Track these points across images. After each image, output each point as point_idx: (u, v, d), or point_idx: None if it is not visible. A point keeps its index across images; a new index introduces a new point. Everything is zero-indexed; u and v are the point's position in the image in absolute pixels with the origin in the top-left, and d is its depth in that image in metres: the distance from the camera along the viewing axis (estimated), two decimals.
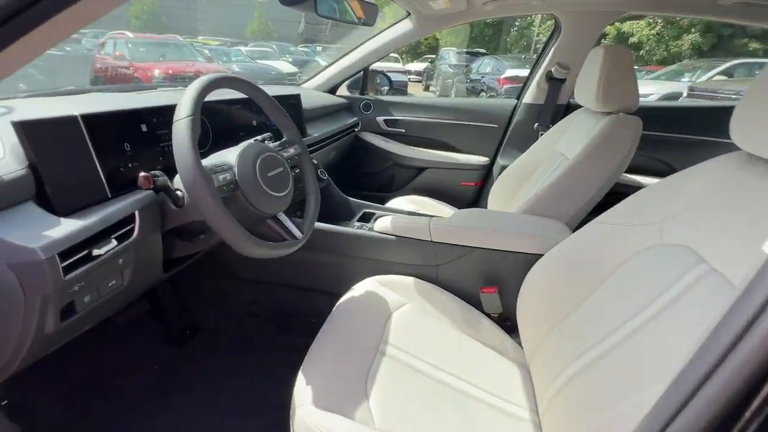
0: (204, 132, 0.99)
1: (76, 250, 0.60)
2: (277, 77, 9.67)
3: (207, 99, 0.74)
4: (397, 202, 1.70)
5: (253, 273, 1.31)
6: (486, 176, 2.06)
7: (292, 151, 0.96)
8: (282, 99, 1.31)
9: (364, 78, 2.06)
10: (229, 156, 0.77)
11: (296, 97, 1.39)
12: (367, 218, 1.36)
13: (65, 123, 0.66)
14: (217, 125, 1.03)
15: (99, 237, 0.64)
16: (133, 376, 1.21)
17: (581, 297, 0.73)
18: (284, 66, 11.68)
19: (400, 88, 11.07)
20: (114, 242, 0.66)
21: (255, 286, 1.36)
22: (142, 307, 1.32)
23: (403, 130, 2.06)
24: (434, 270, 1.17)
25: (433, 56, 15.85)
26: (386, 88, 2.31)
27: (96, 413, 1.09)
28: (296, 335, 1.21)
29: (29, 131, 0.60)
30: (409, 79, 13.76)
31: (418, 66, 15.83)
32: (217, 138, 1.03)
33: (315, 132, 1.51)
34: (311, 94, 1.87)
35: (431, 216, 1.26)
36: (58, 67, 9.35)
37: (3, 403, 0.78)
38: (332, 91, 2.04)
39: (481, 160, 2.01)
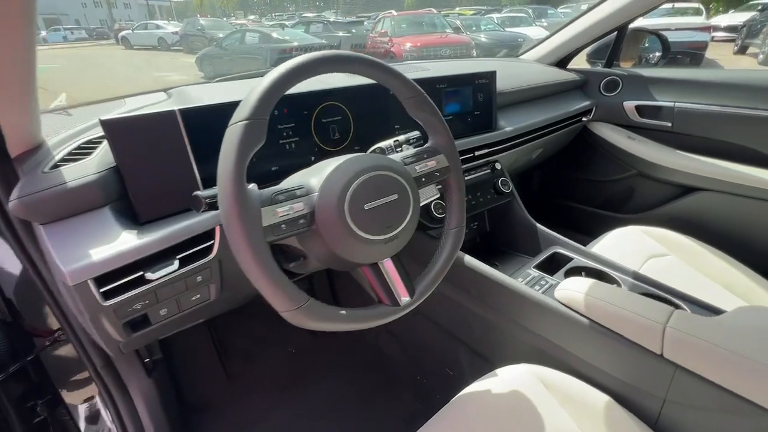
0: (343, 127, 0.80)
1: (123, 274, 0.51)
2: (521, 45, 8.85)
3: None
4: (628, 235, 1.08)
5: None
6: None
7: (432, 164, 0.64)
8: (462, 80, 0.97)
9: (616, 42, 1.39)
10: (316, 175, 0.53)
11: (488, 76, 1.01)
12: (559, 263, 0.90)
13: (161, 120, 0.57)
14: (363, 115, 0.81)
15: (162, 256, 0.55)
16: (273, 351, 1.26)
17: None
18: (535, 32, 10.53)
19: (691, 53, 8.08)
20: (176, 264, 0.56)
21: None
22: None
23: (669, 124, 1.30)
24: (655, 402, 0.64)
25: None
26: (657, 54, 1.52)
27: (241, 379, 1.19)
28: (429, 376, 1.00)
29: (114, 130, 0.53)
30: (713, 38, 9.79)
31: (733, 19, 11.06)
32: (360, 134, 0.82)
33: (510, 124, 1.09)
34: (527, 69, 1.40)
35: (677, 302, 0.69)
36: (346, 46, 11.76)
37: (149, 360, 0.89)
38: (563, 63, 1.48)
39: None
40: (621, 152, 1.38)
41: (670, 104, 1.28)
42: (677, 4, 9.77)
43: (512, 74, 1.31)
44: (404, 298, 0.59)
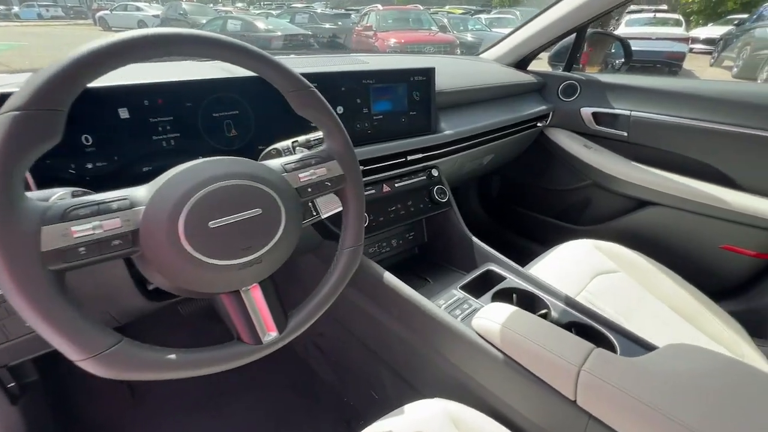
0: (243, 123, 0.69)
1: None
2: None
3: None
4: (578, 249, 1.01)
5: None
6: None
7: (323, 172, 0.54)
8: (394, 75, 0.87)
9: (575, 45, 1.32)
10: (151, 184, 0.42)
11: (425, 73, 0.91)
12: (492, 282, 0.82)
13: None
14: (270, 110, 0.71)
15: None
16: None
17: None
18: None
19: (670, 62, 8.21)
20: None
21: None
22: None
23: (625, 134, 1.24)
24: None
25: (745, 16, 10.97)
26: (619, 61, 1.46)
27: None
28: (355, 398, 0.99)
29: None
30: (692, 49, 9.99)
31: (712, 32, 11.34)
32: (266, 132, 0.71)
33: (452, 127, 1.00)
34: (483, 68, 1.31)
35: (607, 335, 0.62)
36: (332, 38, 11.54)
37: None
38: (523, 64, 1.40)
39: None
40: (577, 161, 1.32)
41: (627, 113, 1.22)
42: (659, 14, 9.93)
43: (464, 72, 1.22)
44: (270, 334, 0.49)
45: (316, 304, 0.53)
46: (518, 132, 1.24)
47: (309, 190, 0.53)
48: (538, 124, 1.31)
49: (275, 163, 0.52)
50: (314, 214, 0.60)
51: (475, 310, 0.73)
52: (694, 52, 10.54)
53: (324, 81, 0.77)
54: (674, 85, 1.15)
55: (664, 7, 13.23)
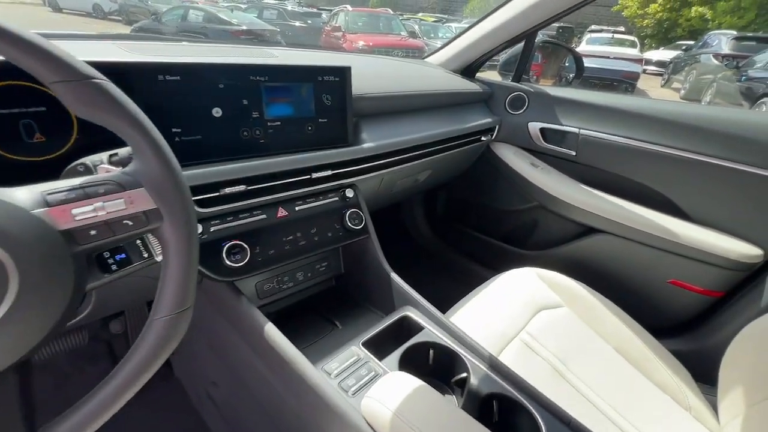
0: (59, 125, 0.50)
1: None
2: None
3: None
4: (521, 279, 0.90)
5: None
6: (740, 285, 0.95)
7: (119, 206, 0.36)
8: (296, 73, 0.70)
9: (523, 53, 1.20)
10: None
11: (339, 73, 0.74)
12: (408, 332, 0.67)
13: None
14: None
15: None
16: None
17: None
18: None
19: (626, 81, 8.61)
20: None
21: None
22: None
23: (573, 153, 1.13)
24: None
25: (692, 42, 11.78)
26: (570, 75, 1.37)
27: None
28: None
29: None
30: (645, 70, 10.57)
31: (663, 54, 12.08)
32: (93, 140, 0.52)
33: (375, 138, 0.84)
34: (424, 72, 1.17)
35: (529, 408, 0.48)
36: (300, 36, 11.23)
37: None
38: (470, 71, 1.27)
39: (745, 250, 0.92)
40: (523, 180, 1.20)
41: (575, 130, 1.11)
42: (617, 35, 10.43)
43: (401, 75, 1.07)
44: None
45: (96, 408, 0.35)
46: (459, 146, 1.10)
47: (93, 233, 0.34)
48: (483, 138, 1.19)
49: (36, 190, 0.33)
50: (144, 256, 0.42)
51: (375, 379, 0.56)
52: (647, 73, 11.19)
53: (194, 75, 0.59)
54: (627, 104, 1.06)
55: (622, 28, 13.99)
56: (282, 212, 0.71)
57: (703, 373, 0.84)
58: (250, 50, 0.89)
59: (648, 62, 11.41)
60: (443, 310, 0.73)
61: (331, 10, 12.47)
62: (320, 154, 0.74)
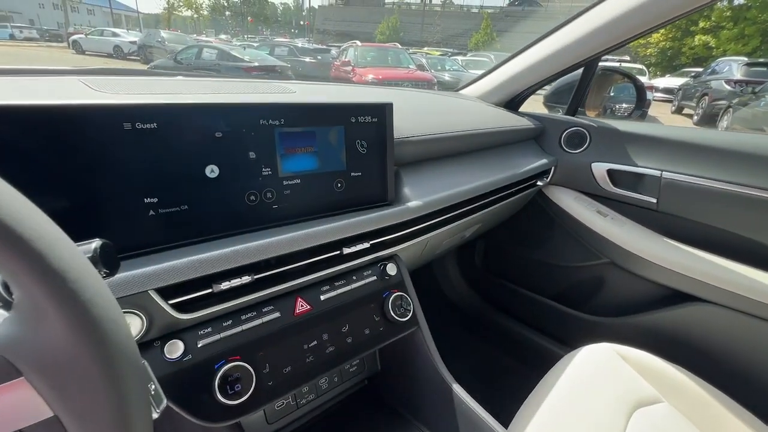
0: None
1: None
2: None
3: None
4: (599, 361, 0.71)
5: None
6: None
7: None
8: (324, 114, 0.51)
9: (581, 82, 1.02)
10: None
11: (377, 112, 0.56)
12: None
13: None
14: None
15: None
16: None
17: None
18: None
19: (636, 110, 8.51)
20: None
21: None
22: None
23: (654, 200, 0.92)
24: None
25: (698, 70, 11.77)
26: (629, 106, 1.18)
27: None
28: None
29: None
30: (654, 97, 10.50)
31: (670, 82, 12.05)
32: None
33: (420, 194, 0.64)
34: (464, 107, 0.99)
35: None
36: (311, 71, 11.48)
37: None
38: (513, 105, 1.09)
39: None
40: (587, 231, 0.99)
41: (656, 173, 0.90)
42: (624, 64, 10.46)
43: (439, 111, 0.89)
44: None
45: None
46: (513, 195, 0.90)
47: None
48: (539, 183, 0.99)
49: None
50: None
51: None
52: (655, 100, 11.12)
53: (178, 120, 0.40)
54: (723, 140, 0.86)
55: (627, 57, 14.12)
56: (302, 306, 0.50)
57: None
58: (262, 85, 0.72)
59: (655, 89, 11.37)
60: (497, 389, 0.50)
61: (339, 47, 12.84)
62: (355, 221, 0.54)
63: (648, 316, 0.94)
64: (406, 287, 0.60)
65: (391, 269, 0.59)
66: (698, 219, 0.87)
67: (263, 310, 0.47)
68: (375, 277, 0.58)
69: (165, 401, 0.34)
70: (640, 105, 1.14)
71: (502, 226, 1.17)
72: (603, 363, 0.72)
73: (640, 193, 0.93)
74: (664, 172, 0.89)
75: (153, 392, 0.33)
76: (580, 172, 1.01)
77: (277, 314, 0.48)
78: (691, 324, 0.88)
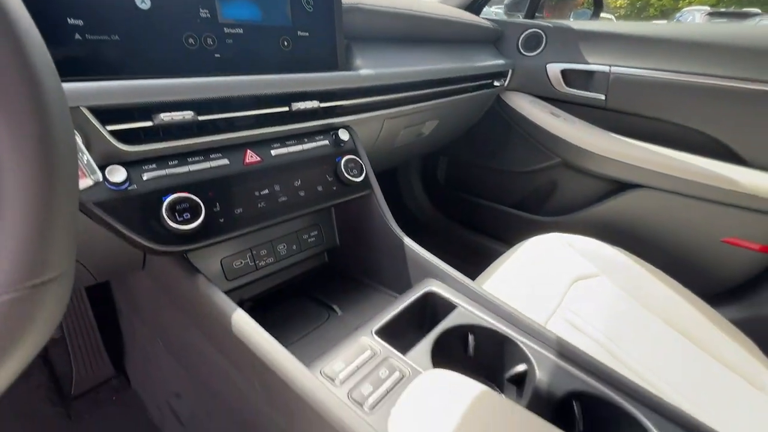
0: None
1: None
2: None
3: None
4: (547, 246, 0.76)
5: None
6: None
7: None
8: None
9: None
10: None
11: None
12: (432, 314, 0.49)
13: None
14: None
15: None
16: None
17: None
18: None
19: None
20: None
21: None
22: None
23: (602, 97, 0.96)
24: None
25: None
26: (588, 11, 1.19)
27: None
28: None
29: None
30: None
31: None
32: None
33: (374, 65, 0.64)
34: (426, 2, 0.97)
35: (621, 404, 0.31)
36: None
37: None
38: (475, 7, 1.08)
39: None
40: (543, 133, 1.02)
41: (605, 68, 0.94)
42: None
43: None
44: None
45: None
46: (469, 91, 0.91)
47: None
48: (495, 84, 1.00)
49: None
50: None
51: (402, 382, 0.38)
52: None
53: None
54: (671, 32, 0.88)
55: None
56: (252, 157, 0.51)
57: None
58: None
59: None
60: None
61: None
62: (302, 77, 0.54)
63: (594, 209, 1.01)
64: (359, 154, 0.61)
65: (344, 135, 0.60)
66: (642, 112, 0.92)
67: (211, 156, 0.47)
68: (327, 142, 0.59)
69: (99, 175, 0.34)
70: (597, 10, 1.15)
71: (462, 141, 1.19)
72: (548, 247, 0.78)
73: (591, 91, 0.97)
74: (612, 67, 0.93)
75: (86, 161, 0.33)
76: (536, 74, 1.03)
77: (225, 161, 0.48)
78: (631, 209, 0.95)
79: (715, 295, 0.88)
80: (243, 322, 0.40)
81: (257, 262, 0.59)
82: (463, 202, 1.32)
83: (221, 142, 0.48)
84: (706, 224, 0.87)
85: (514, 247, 0.82)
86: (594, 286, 0.72)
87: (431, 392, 0.34)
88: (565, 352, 0.43)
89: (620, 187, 0.96)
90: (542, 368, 0.42)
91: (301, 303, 0.61)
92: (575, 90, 0.99)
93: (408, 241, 0.58)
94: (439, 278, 0.53)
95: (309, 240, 0.65)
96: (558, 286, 0.69)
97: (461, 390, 0.34)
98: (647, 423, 0.37)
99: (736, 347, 0.65)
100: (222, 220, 0.46)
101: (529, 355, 0.43)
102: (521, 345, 0.45)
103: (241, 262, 0.57)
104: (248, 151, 0.50)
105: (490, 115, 1.11)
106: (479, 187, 1.27)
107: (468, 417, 0.32)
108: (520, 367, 0.44)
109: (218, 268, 0.55)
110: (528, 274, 0.71)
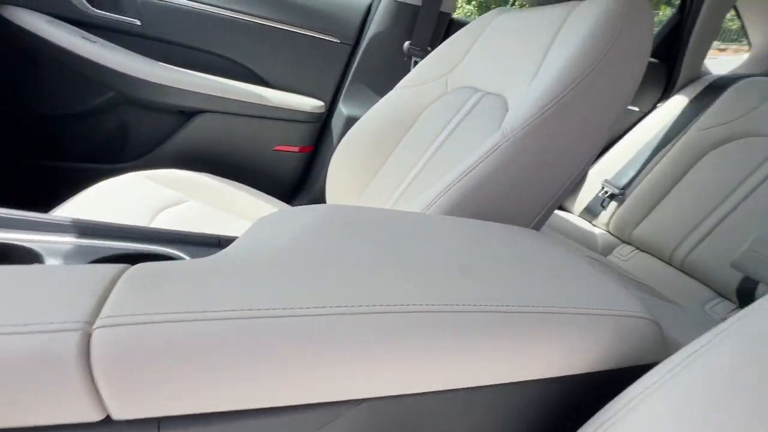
0: None
1: None
2: None
3: None
4: (124, 186, 0.73)
5: None
6: (320, 135, 1.16)
7: None
8: None
9: None
10: None
11: None
12: None
13: None
14: None
15: None
16: None
17: (387, 155, 0.75)
18: None
19: None
20: None
21: None
22: None
23: (138, 22, 0.92)
24: None
25: None
26: None
27: None
28: None
29: None
30: None
31: None
32: None
33: None
34: None
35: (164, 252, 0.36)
36: None
37: None
38: None
39: (314, 104, 1.10)
40: (85, 62, 0.86)
41: None
42: None
43: None
44: None
45: None
46: None
47: None
48: None
49: None
50: None
51: None
52: None
53: None
54: None
55: None
56: None
57: None
58: None
59: None
60: None
61: None
62: None
63: (171, 142, 1.00)
64: None
65: None
66: (178, 40, 0.96)
67: None
68: None
69: None
70: None
71: None
72: (126, 186, 0.72)
73: (124, 15, 0.90)
74: None
75: None
76: None
77: None
78: (200, 135, 1.01)
79: (285, 194, 1.13)
80: None
81: None
82: (15, 166, 0.95)
83: None
84: (260, 137, 1.06)
85: (80, 193, 0.68)
86: (181, 211, 0.72)
87: None
88: (82, 229, 0.38)
89: (188, 116, 1.00)
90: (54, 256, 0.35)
91: None
92: (107, 13, 0.89)
93: None
94: None
95: None
96: (142, 219, 0.65)
97: None
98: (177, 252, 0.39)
99: None
100: None
101: (39, 250, 0.35)
102: (27, 245, 0.35)
103: None
104: None
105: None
106: (27, 141, 0.94)
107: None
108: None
109: None
110: (103, 214, 0.61)
